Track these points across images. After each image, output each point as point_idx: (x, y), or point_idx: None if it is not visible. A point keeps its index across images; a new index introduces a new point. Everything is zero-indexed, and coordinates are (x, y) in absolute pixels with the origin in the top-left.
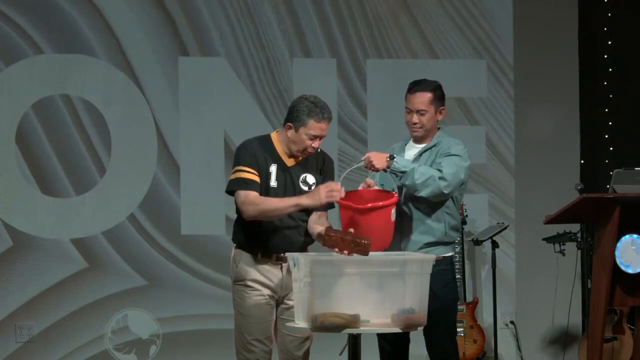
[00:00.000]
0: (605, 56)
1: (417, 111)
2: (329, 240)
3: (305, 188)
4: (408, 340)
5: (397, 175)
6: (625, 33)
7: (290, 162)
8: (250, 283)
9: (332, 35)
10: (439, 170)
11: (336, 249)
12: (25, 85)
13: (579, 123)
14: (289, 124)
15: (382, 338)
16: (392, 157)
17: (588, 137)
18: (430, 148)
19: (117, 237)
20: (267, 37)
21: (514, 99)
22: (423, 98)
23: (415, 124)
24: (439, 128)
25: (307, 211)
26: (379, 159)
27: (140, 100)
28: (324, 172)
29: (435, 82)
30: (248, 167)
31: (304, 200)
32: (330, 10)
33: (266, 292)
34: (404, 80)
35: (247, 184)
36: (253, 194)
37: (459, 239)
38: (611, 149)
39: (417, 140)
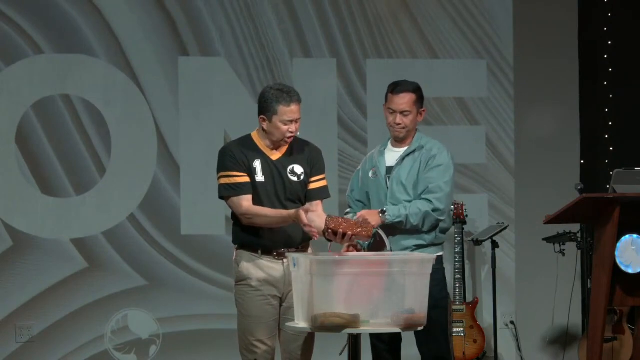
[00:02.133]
0: (605, 56)
1: (402, 112)
2: (332, 221)
3: (295, 179)
4: (400, 340)
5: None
6: (625, 33)
7: (274, 156)
8: (253, 282)
9: (332, 35)
10: (428, 200)
11: (339, 229)
12: (25, 85)
13: (579, 123)
14: (262, 116)
15: (375, 337)
16: (383, 212)
17: (588, 137)
18: (412, 152)
19: (117, 237)
20: (267, 37)
21: (514, 99)
22: (406, 99)
23: (398, 124)
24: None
25: (301, 203)
26: (372, 217)
27: (140, 100)
28: (312, 162)
29: (415, 83)
30: (230, 170)
31: (293, 214)
32: (330, 10)
33: (268, 290)
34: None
35: (234, 190)
36: (245, 203)
37: (459, 238)
38: (611, 149)
39: (398, 142)
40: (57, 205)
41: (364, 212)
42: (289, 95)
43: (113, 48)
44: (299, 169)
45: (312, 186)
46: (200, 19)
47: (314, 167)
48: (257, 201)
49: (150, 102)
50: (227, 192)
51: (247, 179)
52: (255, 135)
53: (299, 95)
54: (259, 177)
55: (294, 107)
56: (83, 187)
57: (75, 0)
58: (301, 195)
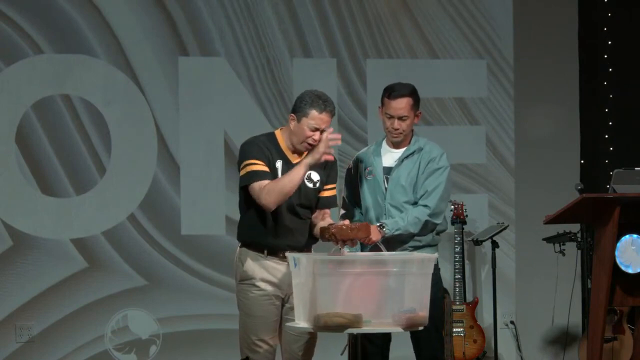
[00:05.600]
0: (605, 56)
1: (399, 117)
2: (336, 231)
3: (310, 185)
4: (389, 339)
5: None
6: (625, 33)
7: (294, 159)
8: (257, 282)
9: (332, 35)
10: (426, 206)
11: (338, 239)
12: (25, 85)
13: (579, 123)
14: (292, 114)
15: (366, 338)
16: (382, 227)
17: (588, 137)
18: (412, 154)
19: (117, 237)
20: (267, 37)
21: (514, 99)
22: (403, 103)
23: (397, 129)
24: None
25: (311, 209)
26: (373, 232)
27: (140, 100)
28: (328, 170)
29: (411, 85)
30: (257, 159)
31: (308, 160)
32: (330, 10)
33: (272, 290)
34: (403, 80)
35: (259, 176)
36: (266, 182)
37: (459, 238)
38: (611, 149)
39: (394, 144)
40: (57, 205)
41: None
42: (325, 104)
43: (113, 48)
44: (315, 176)
45: (324, 194)
46: (200, 19)
47: (329, 176)
48: None
49: (150, 102)
50: (256, 178)
51: (269, 171)
52: (279, 135)
53: (334, 108)
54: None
55: (325, 116)
56: (83, 187)
57: (75, 1)
58: (313, 202)
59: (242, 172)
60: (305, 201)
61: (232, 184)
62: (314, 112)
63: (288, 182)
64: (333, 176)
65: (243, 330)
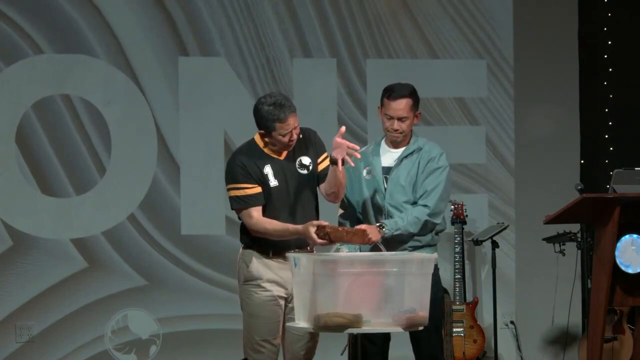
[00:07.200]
0: (605, 56)
1: (399, 118)
2: (331, 231)
3: (304, 172)
4: (389, 339)
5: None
6: (625, 33)
7: (282, 156)
8: (262, 283)
9: (332, 35)
10: (426, 205)
11: (332, 240)
12: (25, 85)
13: (579, 123)
14: (261, 131)
15: (366, 338)
16: (381, 227)
17: (588, 137)
18: (411, 154)
19: (117, 237)
20: (267, 37)
21: (514, 99)
22: (403, 104)
23: (396, 130)
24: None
25: (316, 194)
26: (373, 232)
27: (140, 100)
28: (314, 147)
29: (410, 85)
30: (241, 182)
31: (300, 230)
32: (330, 10)
33: (277, 290)
34: (404, 80)
35: (245, 202)
36: (255, 214)
37: (459, 238)
38: (611, 149)
39: (394, 144)
40: (57, 205)
41: (364, 227)
42: (283, 110)
43: (113, 48)
44: (306, 160)
45: (321, 167)
46: (200, 19)
47: (317, 149)
48: (271, 206)
49: (150, 102)
50: (238, 205)
51: (257, 190)
52: (258, 140)
53: (293, 104)
54: (273, 182)
55: (290, 120)
56: (83, 187)
57: (75, 1)
58: (313, 187)
59: (228, 194)
60: (306, 191)
61: None
62: (278, 124)
63: (275, 231)
64: (320, 146)
65: (247, 331)
